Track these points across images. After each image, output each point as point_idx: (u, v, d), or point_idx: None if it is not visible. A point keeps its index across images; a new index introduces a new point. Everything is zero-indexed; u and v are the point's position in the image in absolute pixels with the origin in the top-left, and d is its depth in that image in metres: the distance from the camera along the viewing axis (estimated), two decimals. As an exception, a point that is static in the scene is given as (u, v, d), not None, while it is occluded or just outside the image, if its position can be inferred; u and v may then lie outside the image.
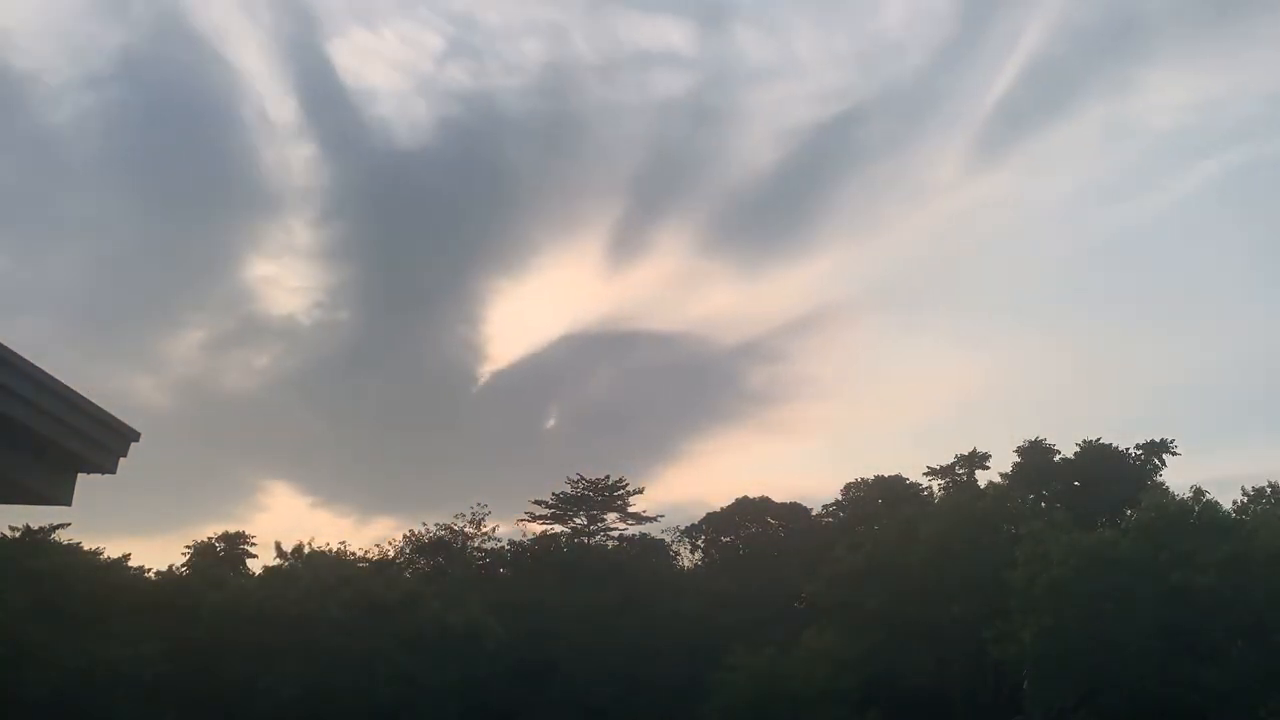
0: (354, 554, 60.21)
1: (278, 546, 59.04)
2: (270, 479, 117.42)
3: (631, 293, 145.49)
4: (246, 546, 65.80)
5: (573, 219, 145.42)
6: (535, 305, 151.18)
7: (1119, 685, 45.51)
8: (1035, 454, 65.81)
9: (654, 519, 72.22)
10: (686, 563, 76.53)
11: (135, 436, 6.64)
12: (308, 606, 50.13)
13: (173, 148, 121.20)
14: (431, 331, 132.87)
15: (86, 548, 52.93)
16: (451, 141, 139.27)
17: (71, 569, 48.06)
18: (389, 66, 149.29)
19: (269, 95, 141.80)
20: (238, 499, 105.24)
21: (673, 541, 75.83)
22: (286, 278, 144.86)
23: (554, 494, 70.76)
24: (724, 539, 76.85)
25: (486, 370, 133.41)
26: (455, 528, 68.86)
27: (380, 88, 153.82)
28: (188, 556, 60.67)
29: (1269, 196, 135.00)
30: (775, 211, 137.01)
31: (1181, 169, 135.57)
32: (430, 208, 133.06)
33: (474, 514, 69.05)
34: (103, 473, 6.63)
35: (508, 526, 72.78)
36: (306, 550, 58.44)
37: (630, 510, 71.24)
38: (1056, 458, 65.72)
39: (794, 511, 76.02)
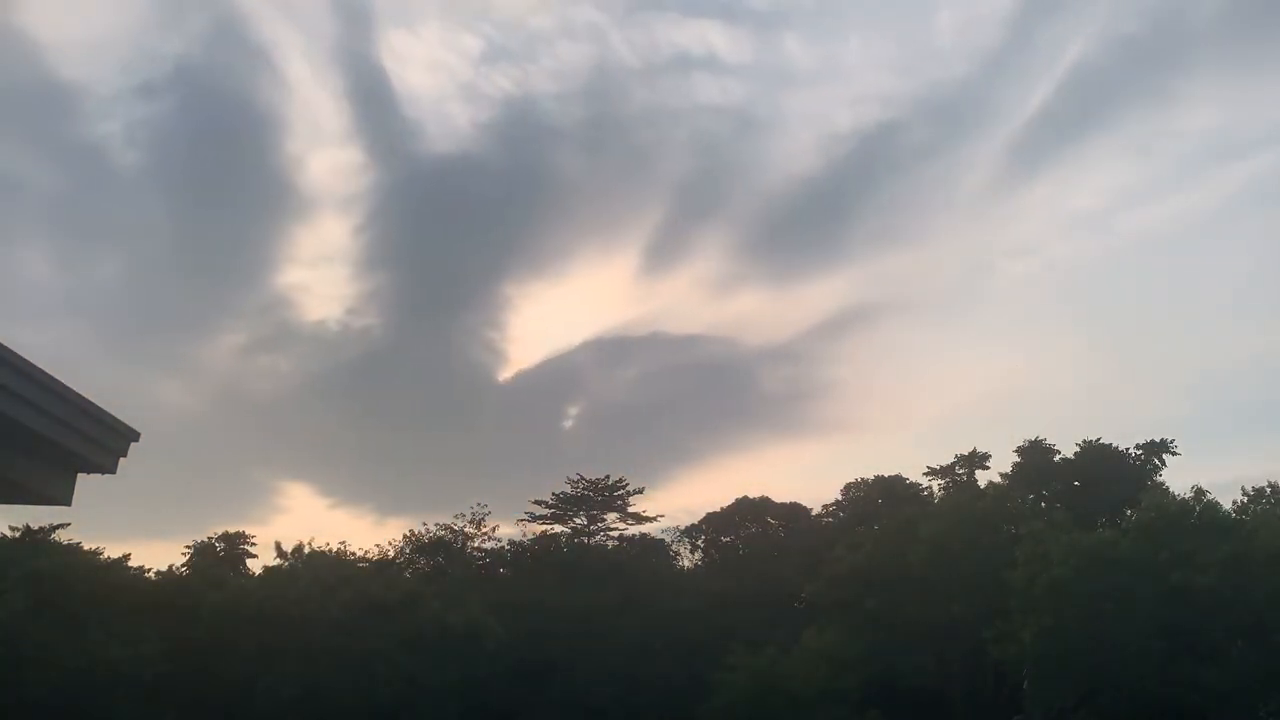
0: (354, 554, 60.24)
1: (278, 546, 59.11)
2: (291, 480, 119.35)
3: (662, 297, 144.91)
4: (246, 546, 65.87)
5: (610, 224, 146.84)
6: (565, 309, 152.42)
7: (1119, 685, 45.51)
8: (1035, 454, 65.82)
9: (654, 519, 72.32)
10: (686, 563, 76.57)
11: (135, 436, 6.64)
12: (308, 606, 50.12)
13: (217, 156, 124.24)
14: (457, 335, 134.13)
15: (88, 548, 53.03)
16: (492, 146, 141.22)
17: (71, 569, 48.07)
18: (431, 72, 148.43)
19: (314, 103, 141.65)
20: (259, 500, 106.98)
21: (673, 541, 75.90)
22: (321, 284, 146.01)
23: (554, 494, 70.82)
24: (724, 539, 76.85)
25: (508, 372, 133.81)
26: (455, 528, 68.95)
27: (422, 93, 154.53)
28: (188, 556, 60.76)
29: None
30: (812, 217, 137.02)
31: (1214, 177, 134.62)
32: (467, 212, 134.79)
33: (474, 514, 69.16)
34: (103, 473, 6.63)
35: (509, 527, 72.78)
36: (306, 550, 58.48)
37: (630, 510, 71.28)
38: (1056, 458, 65.75)
39: (794, 511, 76.03)
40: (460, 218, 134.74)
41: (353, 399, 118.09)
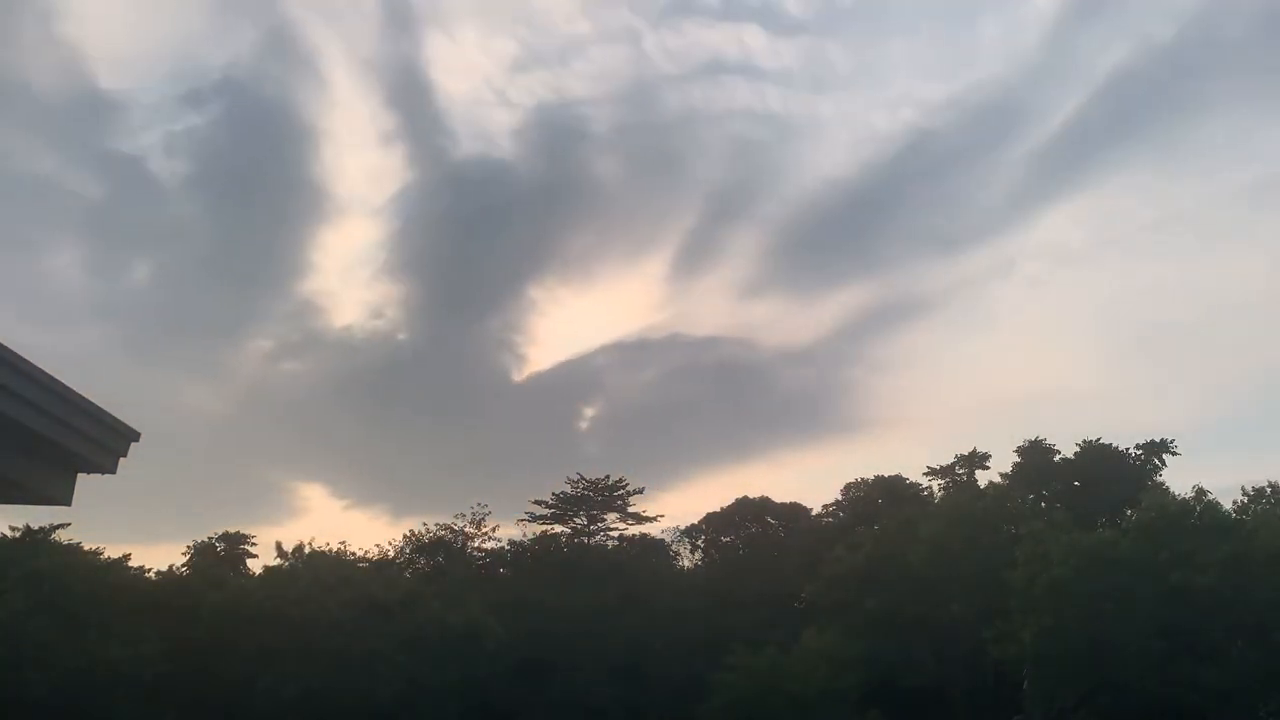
0: (354, 554, 60.24)
1: (278, 546, 59.10)
2: (310, 482, 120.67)
3: (688, 301, 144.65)
4: (247, 546, 65.89)
5: (641, 229, 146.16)
6: (589, 313, 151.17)
7: (1119, 685, 45.51)
8: (1035, 454, 65.85)
9: (654, 519, 72.32)
10: (686, 563, 76.57)
11: (135, 436, 6.64)
12: (308, 606, 50.11)
13: (255, 164, 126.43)
14: (481, 340, 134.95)
15: (89, 548, 53.01)
16: (525, 151, 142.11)
17: (71, 569, 48.05)
18: (466, 77, 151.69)
19: (352, 109, 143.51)
20: (278, 502, 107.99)
21: (673, 541, 75.92)
22: (349, 288, 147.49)
23: (554, 494, 70.82)
24: (724, 539, 76.86)
25: (527, 374, 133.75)
26: (455, 528, 68.97)
27: (457, 98, 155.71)
28: (188, 556, 60.77)
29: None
30: (842, 221, 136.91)
31: (1231, 181, 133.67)
32: (497, 217, 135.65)
33: (474, 514, 69.19)
34: (103, 473, 6.63)
35: (513, 527, 72.80)
36: (307, 550, 58.49)
37: (630, 510, 71.28)
38: (1056, 458, 65.78)
39: (794, 511, 76.03)
40: (490, 222, 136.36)
41: (374, 402, 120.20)
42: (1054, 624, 43.86)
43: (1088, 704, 46.63)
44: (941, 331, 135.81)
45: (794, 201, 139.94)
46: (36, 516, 50.95)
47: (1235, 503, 53.42)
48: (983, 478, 67.74)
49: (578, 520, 71.31)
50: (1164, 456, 65.61)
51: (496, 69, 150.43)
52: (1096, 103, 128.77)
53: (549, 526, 71.41)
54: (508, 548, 70.74)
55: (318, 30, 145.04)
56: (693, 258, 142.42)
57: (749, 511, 76.50)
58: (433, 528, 69.06)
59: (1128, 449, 65.93)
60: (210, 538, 64.06)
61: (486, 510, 69.53)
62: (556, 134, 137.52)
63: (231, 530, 65.45)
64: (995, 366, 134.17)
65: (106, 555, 52.98)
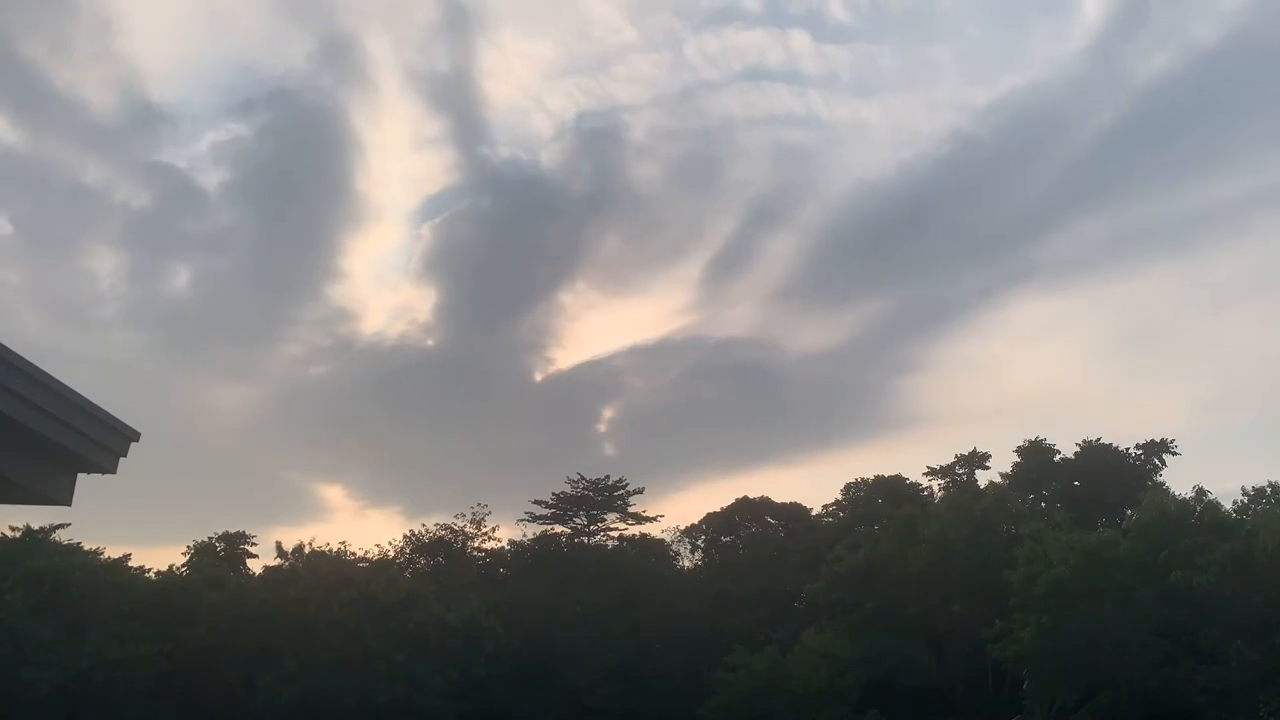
0: (354, 554, 60.24)
1: (278, 546, 59.10)
2: (333, 484, 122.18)
3: (720, 306, 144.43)
4: (246, 546, 65.91)
5: (678, 234, 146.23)
6: (619, 316, 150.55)
7: (1119, 685, 45.51)
8: (1035, 454, 65.90)
9: (654, 519, 72.32)
10: (686, 563, 76.59)
11: (135, 436, 6.64)
12: (308, 606, 50.09)
13: (298, 173, 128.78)
14: (509, 345, 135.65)
15: (90, 548, 53.03)
16: (564, 157, 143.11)
17: (71, 569, 48.03)
18: (508, 82, 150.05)
19: (397, 115, 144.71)
20: (300, 504, 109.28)
21: (673, 541, 75.94)
22: (382, 295, 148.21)
23: (554, 494, 70.84)
24: (724, 539, 76.89)
25: (550, 378, 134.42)
26: (455, 527, 69.00)
27: (499, 103, 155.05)
28: (188, 556, 60.74)
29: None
30: (876, 228, 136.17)
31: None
32: (535, 222, 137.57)
33: (474, 514, 69.25)
34: (103, 473, 6.62)
35: (511, 527, 72.98)
36: (307, 550, 58.49)
37: (630, 510, 71.27)
38: (1056, 458, 65.82)
39: (794, 511, 76.05)
40: (525, 227, 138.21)
41: (400, 406, 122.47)
42: (1054, 624, 43.84)
43: (1088, 703, 46.62)
44: (966, 338, 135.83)
45: (830, 206, 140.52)
46: (36, 516, 51.02)
47: (1235, 503, 53.42)
48: (983, 478, 67.90)
49: (578, 520, 71.32)
50: (1164, 456, 65.69)
51: (538, 75, 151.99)
52: (1137, 110, 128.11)
53: (549, 527, 71.46)
54: (508, 548, 70.81)
55: (369, 39, 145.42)
56: (727, 263, 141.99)
57: (749, 511, 76.55)
58: (433, 528, 69.18)
59: (1128, 449, 66.02)
60: (210, 538, 64.12)
61: (486, 510, 69.70)
62: (596, 140, 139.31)
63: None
64: (1013, 372, 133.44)
65: (106, 555, 53.02)
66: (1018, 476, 65.51)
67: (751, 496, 77.07)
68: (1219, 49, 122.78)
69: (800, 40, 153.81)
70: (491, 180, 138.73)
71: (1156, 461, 65.44)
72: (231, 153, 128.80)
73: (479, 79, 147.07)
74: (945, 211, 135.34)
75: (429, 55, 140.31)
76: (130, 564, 53.53)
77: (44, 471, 6.33)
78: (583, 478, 70.62)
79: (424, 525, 69.33)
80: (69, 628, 45.16)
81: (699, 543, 77.18)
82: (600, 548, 70.41)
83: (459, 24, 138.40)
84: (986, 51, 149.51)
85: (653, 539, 73.04)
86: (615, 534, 71.60)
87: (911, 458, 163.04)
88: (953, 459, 70.19)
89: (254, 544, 66.13)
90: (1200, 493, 49.55)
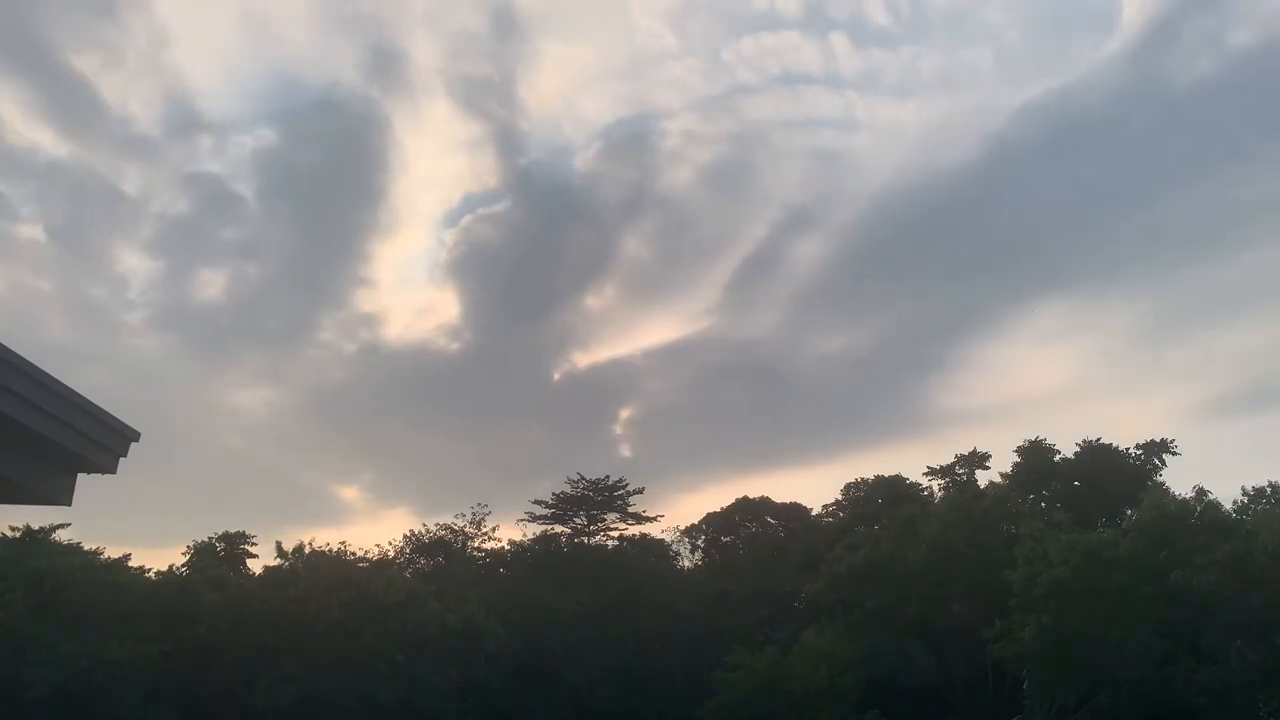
0: (354, 554, 60.26)
1: (278, 546, 59.10)
2: (351, 486, 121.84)
3: (744, 308, 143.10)
4: (246, 546, 65.92)
5: (709, 238, 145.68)
6: (645, 319, 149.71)
7: (1119, 685, 45.51)
8: (1035, 454, 65.90)
9: (654, 519, 72.35)
10: (686, 563, 76.61)
11: (135, 436, 6.64)
12: (308, 606, 50.09)
13: (333, 178, 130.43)
14: (530, 349, 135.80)
15: (90, 548, 52.99)
16: (598, 162, 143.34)
17: (71, 569, 48.01)
18: (547, 88, 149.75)
19: (434, 120, 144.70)
20: (320, 506, 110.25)
21: (673, 541, 75.97)
22: (406, 299, 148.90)
23: (554, 494, 70.92)
24: (724, 539, 76.91)
25: (569, 380, 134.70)
26: (455, 527, 69.05)
27: (534, 109, 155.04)
28: (188, 556, 60.74)
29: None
30: (907, 234, 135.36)
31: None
32: (564, 226, 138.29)
33: (474, 514, 69.33)
34: (103, 473, 6.63)
35: (510, 528, 73.06)
36: (307, 550, 58.49)
37: (630, 510, 71.29)
38: (1056, 458, 65.81)
39: (794, 511, 76.08)
40: (555, 232, 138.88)
41: (423, 409, 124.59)
42: (1054, 624, 43.82)
43: (1088, 703, 46.63)
44: (989, 341, 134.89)
45: (861, 209, 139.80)
46: (36, 516, 51.00)
47: (1235, 503, 53.42)
48: (983, 478, 67.92)
49: (578, 520, 71.36)
50: (1164, 456, 65.69)
51: (576, 80, 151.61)
52: (1172, 115, 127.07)
53: (549, 527, 71.50)
54: (508, 548, 70.85)
55: (410, 47, 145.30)
56: (755, 266, 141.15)
57: (749, 511, 76.59)
58: (433, 528, 69.25)
59: (1128, 449, 66.01)
60: (210, 538, 64.12)
61: (487, 510, 69.85)
62: (630, 145, 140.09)
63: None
64: (1028, 374, 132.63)
65: (106, 555, 53.00)
66: (1018, 476, 65.52)
67: (751, 496, 77.13)
68: (1256, 53, 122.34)
69: (838, 43, 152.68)
70: (523, 184, 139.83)
71: (1156, 461, 65.44)
72: (270, 160, 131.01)
73: (517, 84, 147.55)
74: (977, 215, 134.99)
75: (469, 61, 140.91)
76: (131, 564, 53.55)
77: (44, 471, 6.34)
78: (583, 478, 70.71)
79: (425, 525, 69.39)
80: (69, 628, 45.12)
81: (699, 543, 77.22)
82: (600, 548, 70.44)
83: (502, 30, 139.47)
84: (1024, 55, 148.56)
85: (653, 539, 73.13)
86: (615, 534, 71.71)
87: (920, 458, 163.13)
88: (953, 459, 70.27)
89: (254, 544, 66.20)
90: (1200, 493, 49.54)
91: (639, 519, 71.46)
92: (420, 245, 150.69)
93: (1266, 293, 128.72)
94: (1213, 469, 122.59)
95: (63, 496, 6.62)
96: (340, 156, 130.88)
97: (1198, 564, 43.18)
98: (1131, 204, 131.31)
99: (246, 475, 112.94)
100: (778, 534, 75.52)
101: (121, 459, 6.67)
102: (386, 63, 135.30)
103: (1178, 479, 77.78)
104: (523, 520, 71.48)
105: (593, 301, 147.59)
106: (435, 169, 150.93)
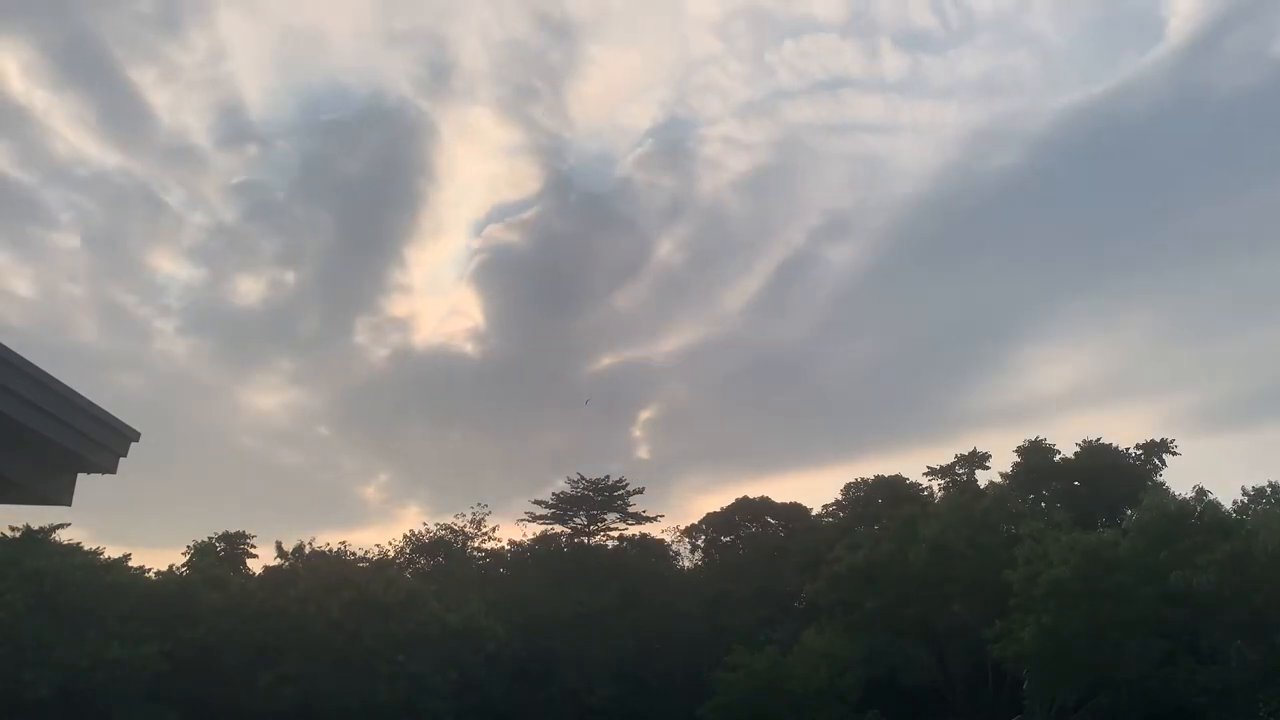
0: (354, 554, 60.31)
1: (278, 546, 59.20)
2: (372, 486, 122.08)
3: (774, 311, 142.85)
4: (247, 546, 65.92)
5: (746, 242, 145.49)
6: (674, 320, 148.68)
7: (1119, 685, 45.50)
8: (1035, 454, 65.88)
9: (654, 519, 72.36)
10: (686, 563, 76.59)
11: (135, 436, 6.64)
12: (308, 606, 50.11)
13: (377, 187, 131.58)
14: (558, 352, 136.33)
15: (90, 548, 52.98)
16: (638, 167, 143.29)
17: (71, 569, 48.01)
18: (593, 98, 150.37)
19: (478, 123, 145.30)
20: (347, 507, 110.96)
21: (673, 541, 75.94)
22: (438, 303, 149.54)
23: (554, 494, 70.95)
24: (724, 539, 76.86)
25: (593, 381, 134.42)
26: (455, 527, 69.06)
27: (581, 117, 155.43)
28: (188, 556, 60.73)
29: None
30: (941, 239, 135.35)
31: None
32: (601, 231, 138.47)
33: (474, 514, 69.36)
34: (103, 473, 6.63)
35: (510, 528, 73.15)
36: (307, 550, 58.54)
37: (630, 510, 71.29)
38: (1056, 458, 65.79)
39: (794, 511, 76.02)
40: (591, 236, 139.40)
41: (449, 412, 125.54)
42: (1054, 624, 43.82)
43: (1088, 704, 46.63)
44: (1015, 347, 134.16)
45: (899, 216, 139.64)
46: (36, 516, 50.99)
47: (1235, 503, 53.43)
48: (983, 478, 67.91)
49: (578, 520, 71.36)
50: (1164, 456, 65.68)
51: (620, 86, 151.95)
52: (1213, 122, 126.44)
53: (549, 527, 71.52)
54: (508, 548, 70.87)
55: (459, 55, 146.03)
56: (790, 272, 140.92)
57: (749, 511, 76.51)
58: (433, 528, 69.26)
59: (1128, 449, 66.00)
60: (210, 537, 64.11)
61: (487, 510, 69.92)
62: (670, 151, 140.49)
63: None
64: (1042, 375, 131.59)
65: (106, 555, 53.00)
66: (1018, 476, 65.52)
67: (751, 496, 77.12)
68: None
69: (881, 46, 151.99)
70: (561, 190, 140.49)
71: (1156, 461, 65.43)
72: (315, 169, 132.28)
73: (563, 92, 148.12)
74: (1015, 219, 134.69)
75: (517, 69, 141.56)
76: (131, 564, 53.55)
77: (44, 471, 6.34)
78: (583, 478, 70.74)
79: (425, 525, 69.41)
80: (69, 628, 45.13)
81: (699, 543, 77.18)
82: (601, 548, 70.44)
83: (551, 38, 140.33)
84: (1068, 61, 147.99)
85: (653, 539, 73.12)
86: (615, 534, 71.70)
87: (942, 461, 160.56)
88: (953, 459, 70.27)
89: (254, 544, 66.19)
90: (1200, 493, 49.54)
91: (639, 519, 71.47)
92: (456, 249, 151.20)
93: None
94: (1202, 467, 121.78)
95: (63, 496, 6.62)
96: (384, 164, 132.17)
97: (1198, 564, 43.17)
98: (1166, 207, 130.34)
99: (271, 478, 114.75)
100: (778, 534, 75.46)
101: (122, 459, 6.67)
102: (435, 73, 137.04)
103: (1178, 479, 77.74)
104: (523, 520, 71.57)
105: (620, 305, 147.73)
106: (477, 175, 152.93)
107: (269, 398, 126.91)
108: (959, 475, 69.11)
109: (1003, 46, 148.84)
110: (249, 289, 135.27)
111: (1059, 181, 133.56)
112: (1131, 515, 52.88)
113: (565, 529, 71.40)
